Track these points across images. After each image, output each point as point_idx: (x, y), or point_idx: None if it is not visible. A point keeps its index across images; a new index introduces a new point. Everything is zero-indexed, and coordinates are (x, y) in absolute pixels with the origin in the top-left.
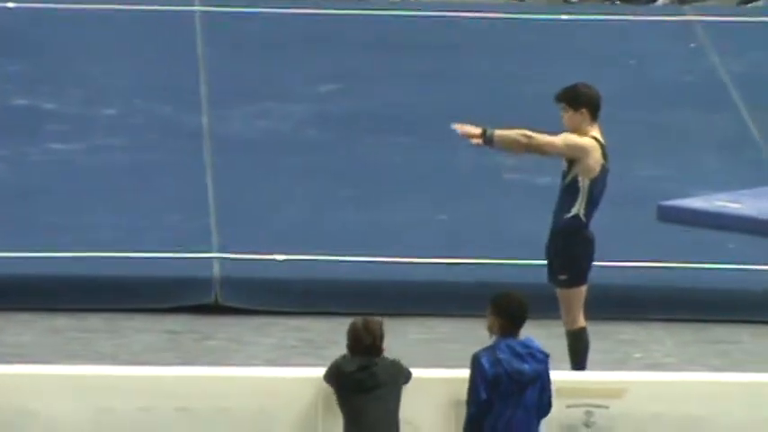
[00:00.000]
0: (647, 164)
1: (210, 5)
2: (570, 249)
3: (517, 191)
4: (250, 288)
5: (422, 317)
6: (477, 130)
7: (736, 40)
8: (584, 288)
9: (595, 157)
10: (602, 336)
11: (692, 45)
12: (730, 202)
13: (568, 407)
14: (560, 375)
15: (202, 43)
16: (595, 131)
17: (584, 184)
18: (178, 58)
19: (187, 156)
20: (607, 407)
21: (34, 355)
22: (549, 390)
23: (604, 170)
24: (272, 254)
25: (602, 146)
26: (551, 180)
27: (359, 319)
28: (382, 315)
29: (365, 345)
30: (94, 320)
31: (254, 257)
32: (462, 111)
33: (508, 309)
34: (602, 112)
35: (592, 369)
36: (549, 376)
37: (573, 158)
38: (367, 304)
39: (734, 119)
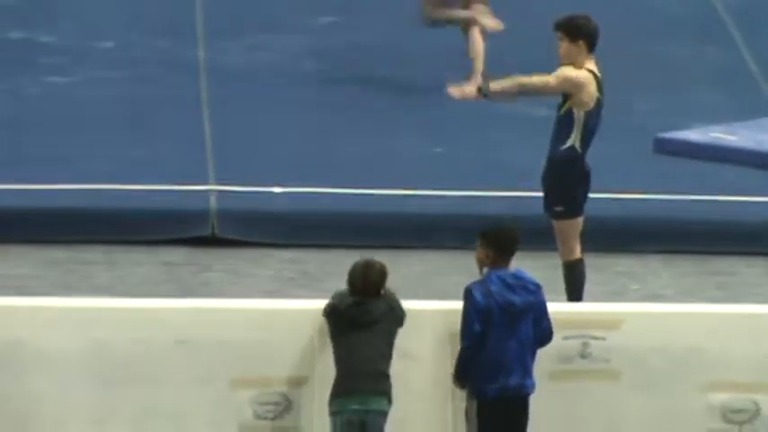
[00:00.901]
0: (643, 96)
1: None
2: (565, 180)
3: (514, 123)
4: (247, 220)
5: (420, 249)
6: (472, 89)
7: None
8: (579, 219)
9: (590, 91)
10: (599, 268)
11: None
12: (726, 133)
13: (565, 338)
14: (557, 306)
15: None
16: (591, 64)
17: (579, 116)
18: None
19: (184, 89)
20: (604, 338)
21: (31, 287)
22: (547, 319)
23: (599, 103)
24: (269, 186)
25: (597, 79)
26: (548, 112)
27: (360, 262)
28: (380, 248)
29: (358, 288)
30: (92, 252)
31: (251, 189)
32: (459, 45)
33: (499, 240)
34: (600, 46)
35: (588, 301)
36: (544, 306)
37: (568, 92)
38: (364, 237)
39: (730, 51)
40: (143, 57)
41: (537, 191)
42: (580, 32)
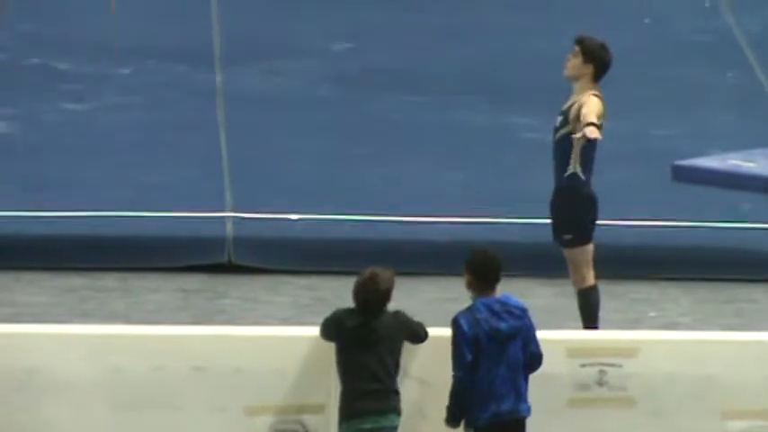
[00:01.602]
0: (662, 123)
1: None
2: (572, 209)
3: (532, 149)
4: (263, 247)
5: (435, 276)
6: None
7: None
8: (590, 247)
9: (602, 119)
10: (616, 295)
11: (707, 4)
12: (744, 161)
13: (582, 366)
14: (574, 334)
15: (216, 1)
16: (596, 89)
17: (582, 143)
18: (191, 15)
19: (201, 114)
20: (621, 366)
21: (49, 315)
22: (535, 343)
23: (601, 128)
24: (286, 213)
25: (604, 105)
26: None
27: (365, 272)
28: (396, 274)
29: (364, 300)
30: (109, 280)
31: (268, 216)
32: (478, 69)
33: (480, 267)
34: (618, 72)
35: (605, 328)
36: (532, 330)
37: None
38: (380, 263)
39: (749, 78)
40: (160, 82)
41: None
42: (596, 57)
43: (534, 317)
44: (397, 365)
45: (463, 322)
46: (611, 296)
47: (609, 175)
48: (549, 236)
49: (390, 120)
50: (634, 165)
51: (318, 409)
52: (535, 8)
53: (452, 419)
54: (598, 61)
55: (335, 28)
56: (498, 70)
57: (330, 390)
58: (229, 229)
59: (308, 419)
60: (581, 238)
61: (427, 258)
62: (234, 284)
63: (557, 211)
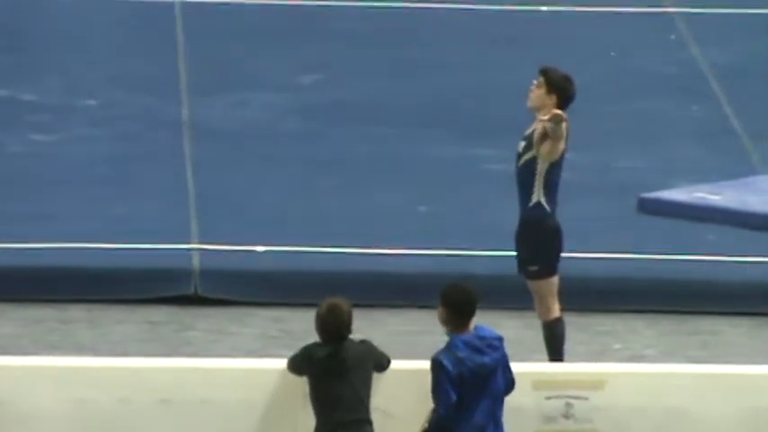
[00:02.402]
0: (627, 155)
1: None
2: (537, 240)
3: (497, 181)
4: (230, 279)
5: (401, 308)
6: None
7: (716, 32)
8: (555, 279)
9: (564, 147)
10: (581, 327)
11: (672, 36)
12: (710, 193)
13: (548, 398)
14: (540, 367)
15: (182, 33)
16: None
17: (541, 167)
18: (157, 48)
19: (167, 146)
20: (587, 398)
21: (14, 346)
22: (509, 369)
23: (563, 158)
24: (252, 245)
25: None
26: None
27: (323, 305)
28: (363, 306)
29: (331, 331)
30: (75, 311)
31: (234, 248)
32: (443, 102)
33: (457, 302)
34: (584, 104)
35: (571, 360)
36: (506, 357)
37: (543, 140)
38: (347, 295)
39: (714, 110)
40: (126, 114)
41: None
42: (559, 88)
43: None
44: (368, 394)
45: (446, 362)
46: (577, 328)
47: (574, 207)
48: (514, 268)
49: (356, 152)
50: (599, 197)
51: None
52: (499, 42)
53: None
54: (561, 92)
55: (302, 61)
56: (463, 103)
57: (297, 421)
58: (195, 261)
59: None
60: (546, 269)
61: (393, 290)
62: (200, 316)
63: (521, 242)
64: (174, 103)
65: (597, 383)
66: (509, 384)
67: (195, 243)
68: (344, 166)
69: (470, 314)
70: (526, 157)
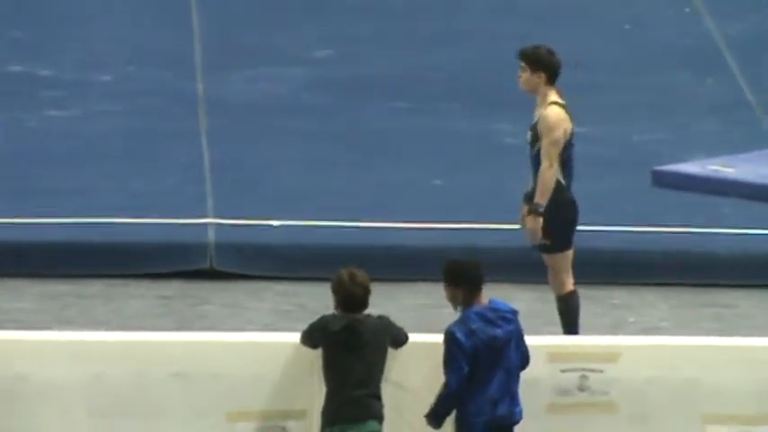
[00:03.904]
0: (642, 128)
1: None
2: (552, 214)
3: (513, 154)
4: (245, 253)
5: (416, 282)
6: (537, 222)
7: (731, 4)
8: (569, 252)
9: (566, 129)
10: (596, 300)
11: (687, 9)
12: (725, 166)
13: (563, 371)
14: (555, 340)
15: (197, 8)
16: (554, 95)
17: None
18: (173, 22)
19: (183, 121)
20: (602, 371)
21: (30, 321)
22: (524, 343)
23: (571, 135)
24: (267, 219)
25: (565, 108)
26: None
27: (343, 273)
28: (377, 280)
29: (357, 298)
30: (90, 286)
31: (249, 223)
32: (459, 75)
33: (465, 276)
34: (599, 77)
35: (586, 333)
36: (520, 331)
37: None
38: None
39: (729, 83)
40: (142, 89)
41: None
42: (542, 64)
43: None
44: (381, 370)
45: (460, 334)
46: (591, 301)
47: (589, 179)
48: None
49: (372, 126)
50: (615, 170)
51: (300, 414)
52: (515, 14)
53: (435, 420)
54: (546, 67)
55: (317, 35)
56: (479, 76)
57: (312, 395)
58: (211, 236)
59: (290, 425)
60: (561, 243)
61: (408, 264)
62: (215, 290)
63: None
64: (189, 78)
65: (612, 356)
66: (524, 358)
67: (211, 217)
68: (359, 139)
69: (479, 286)
70: (537, 146)
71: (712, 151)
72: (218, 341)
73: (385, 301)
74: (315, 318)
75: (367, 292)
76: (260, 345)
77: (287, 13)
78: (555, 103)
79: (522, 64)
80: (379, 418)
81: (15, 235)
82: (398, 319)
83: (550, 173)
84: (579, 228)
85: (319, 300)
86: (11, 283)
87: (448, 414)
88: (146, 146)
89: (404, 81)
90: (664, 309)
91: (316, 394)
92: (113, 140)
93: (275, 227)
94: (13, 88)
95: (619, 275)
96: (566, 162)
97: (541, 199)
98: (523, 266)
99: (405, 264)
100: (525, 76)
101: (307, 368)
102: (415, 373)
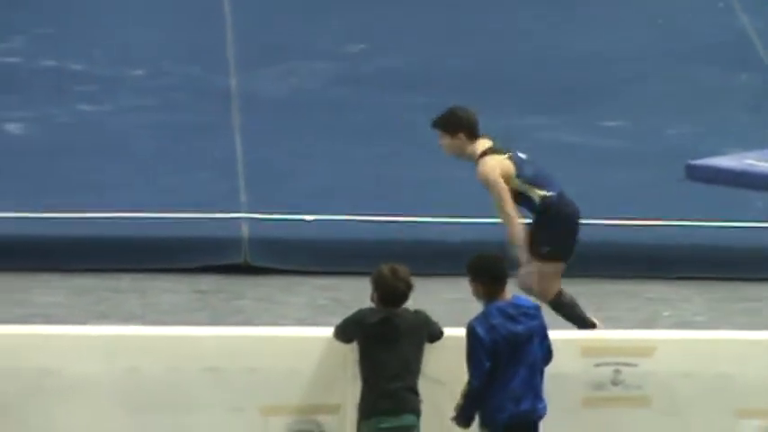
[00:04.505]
0: (676, 122)
1: None
2: (550, 226)
3: (545, 149)
4: (279, 248)
5: (454, 277)
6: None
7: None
8: (562, 265)
9: (505, 170)
10: (630, 294)
11: (721, 4)
12: (759, 160)
13: (597, 365)
14: (588, 334)
15: (229, 2)
16: (479, 144)
17: (517, 185)
18: (205, 17)
19: (215, 116)
20: (636, 365)
21: (62, 316)
22: (548, 339)
23: (516, 159)
24: (301, 213)
25: (495, 149)
26: (580, 138)
27: (385, 268)
28: (412, 275)
29: (399, 292)
30: (123, 281)
31: (283, 217)
32: (492, 69)
33: (487, 270)
34: (632, 71)
35: (620, 327)
36: (544, 327)
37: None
38: (397, 263)
39: (763, 78)
40: (174, 84)
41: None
42: (457, 125)
43: (546, 316)
44: (418, 364)
45: (479, 330)
46: (626, 295)
47: (623, 173)
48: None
49: (406, 120)
50: (648, 164)
51: (334, 409)
52: (547, 6)
53: (464, 420)
54: (461, 126)
55: (349, 29)
56: (511, 70)
57: (346, 390)
58: (245, 230)
59: (324, 420)
60: (558, 253)
61: (443, 259)
62: (250, 285)
63: (534, 227)
64: (222, 73)
65: (646, 350)
66: (547, 354)
67: (244, 212)
68: (393, 134)
69: (502, 282)
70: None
71: (746, 145)
72: (253, 336)
73: (420, 296)
74: (349, 312)
75: (409, 287)
76: (294, 339)
77: (318, 8)
78: (484, 152)
79: (439, 132)
80: (416, 411)
81: (47, 230)
82: (434, 313)
83: (508, 218)
84: (614, 222)
85: (354, 294)
86: (44, 278)
87: (475, 412)
88: (178, 141)
89: (436, 75)
90: (699, 303)
91: (350, 388)
92: (145, 135)
93: (309, 221)
94: (45, 83)
95: (653, 270)
96: (536, 182)
97: (515, 241)
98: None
99: (440, 258)
100: (446, 144)
101: (341, 362)
102: (451, 367)
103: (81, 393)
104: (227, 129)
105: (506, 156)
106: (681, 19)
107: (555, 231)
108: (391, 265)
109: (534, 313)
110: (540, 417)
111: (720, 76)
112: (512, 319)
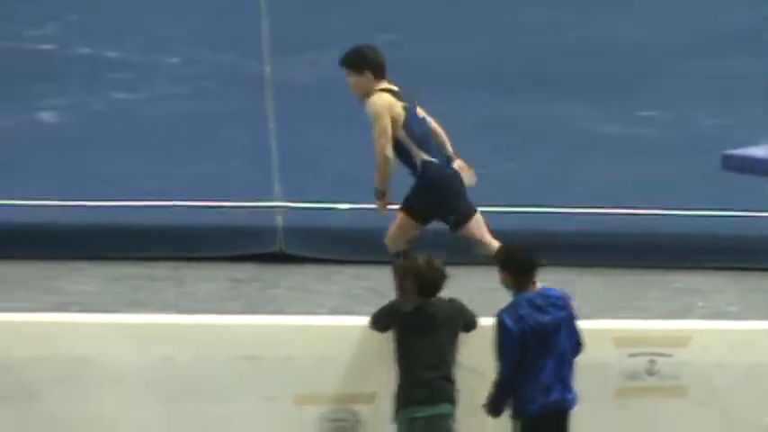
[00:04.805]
0: (711, 112)
1: None
2: (440, 194)
3: (588, 140)
4: (314, 237)
5: (484, 266)
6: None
7: None
8: (477, 216)
9: (395, 112)
10: (664, 285)
11: None
12: None
13: (631, 355)
14: (622, 324)
15: None
16: (383, 84)
17: (400, 134)
18: (239, 6)
19: (249, 104)
20: (671, 355)
21: (98, 304)
22: (576, 330)
23: (410, 111)
24: (335, 202)
25: (393, 92)
26: (618, 128)
27: (420, 259)
28: (446, 264)
29: (434, 283)
30: (159, 269)
31: (318, 206)
32: (526, 60)
33: (515, 261)
34: (669, 62)
35: (654, 318)
36: (572, 318)
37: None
38: (429, 252)
39: None
40: (208, 72)
41: (603, 206)
42: (365, 63)
43: (581, 307)
44: (453, 353)
45: (508, 320)
46: (659, 285)
47: (658, 164)
48: (593, 224)
49: (438, 110)
50: (683, 154)
51: (369, 398)
52: (580, 3)
53: (495, 410)
54: (370, 63)
55: (378, 19)
56: (543, 61)
57: (381, 379)
58: (280, 219)
59: (359, 408)
60: (463, 214)
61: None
62: (284, 274)
63: (427, 202)
64: (255, 61)
65: (681, 340)
66: (575, 345)
67: (279, 201)
68: None
69: (529, 271)
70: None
71: None
72: (288, 324)
73: (455, 285)
74: (384, 301)
75: (443, 277)
76: (329, 328)
77: None
78: (382, 89)
79: (347, 70)
80: (452, 400)
81: (83, 218)
82: (468, 302)
83: (381, 158)
84: (647, 211)
85: (389, 282)
86: (78, 266)
87: (505, 401)
88: (213, 129)
89: (468, 66)
90: (732, 293)
91: (385, 378)
92: (181, 123)
93: (343, 210)
94: (79, 71)
95: (687, 260)
96: (419, 140)
97: (378, 184)
98: (589, 251)
99: (470, 246)
100: (353, 81)
101: (376, 351)
102: (486, 355)
103: (115, 381)
104: (262, 117)
105: (402, 105)
106: (718, 9)
107: (446, 200)
108: (425, 257)
109: (563, 304)
110: (570, 407)
111: (757, 66)
112: (539, 309)
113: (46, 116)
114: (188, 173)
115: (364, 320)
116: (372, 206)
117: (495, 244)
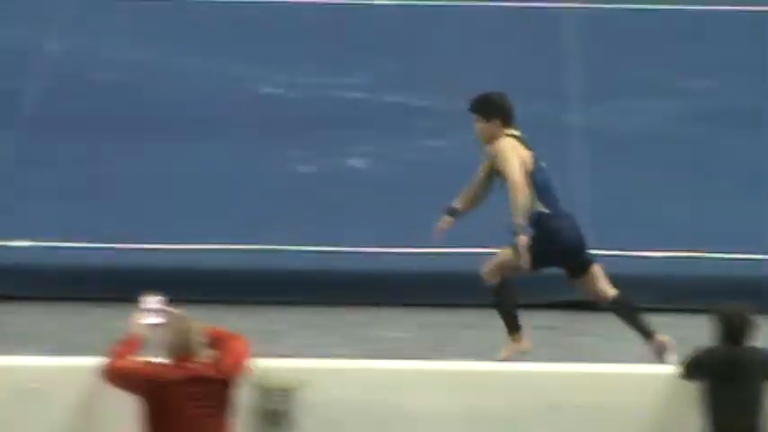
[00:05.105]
0: None
1: (573, 2)
2: (536, 241)
3: None
4: (621, 284)
5: None
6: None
7: None
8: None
9: (521, 153)
10: None
11: None
12: None
13: None
14: None
15: (568, 39)
16: (509, 131)
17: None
18: (542, 51)
19: (560, 152)
20: None
21: (406, 350)
22: None
23: (536, 160)
24: (642, 250)
25: (519, 139)
26: None
27: (726, 305)
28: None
29: (739, 331)
30: (465, 316)
31: (625, 254)
32: None
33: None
34: None
35: None
36: None
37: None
38: (739, 299)
39: None
40: (518, 120)
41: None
42: (493, 110)
43: None
44: (761, 404)
45: None
46: None
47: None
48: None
49: (747, 158)
50: None
51: None
52: None
53: None
54: (497, 111)
55: (689, 65)
56: None
57: (687, 428)
58: None
59: None
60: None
61: None
62: (590, 321)
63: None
64: (564, 109)
65: None
66: None
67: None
68: (742, 174)
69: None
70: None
71: None
72: (594, 372)
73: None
74: (689, 350)
75: (747, 324)
76: (636, 376)
77: (661, 42)
78: (509, 135)
79: (476, 116)
80: None
81: (396, 265)
82: None
83: (519, 191)
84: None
85: (692, 331)
86: (388, 312)
87: None
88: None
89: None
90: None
91: (691, 427)
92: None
93: (654, 258)
94: (389, 119)
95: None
96: (542, 187)
97: (519, 219)
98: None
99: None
100: (480, 127)
101: (684, 400)
102: None
103: (421, 427)
104: (574, 165)
105: (530, 153)
106: None
107: (538, 246)
108: (738, 304)
109: None
110: None
111: None
112: None
113: (354, 162)
114: (495, 219)
115: (672, 369)
116: (683, 254)
117: (612, 292)
